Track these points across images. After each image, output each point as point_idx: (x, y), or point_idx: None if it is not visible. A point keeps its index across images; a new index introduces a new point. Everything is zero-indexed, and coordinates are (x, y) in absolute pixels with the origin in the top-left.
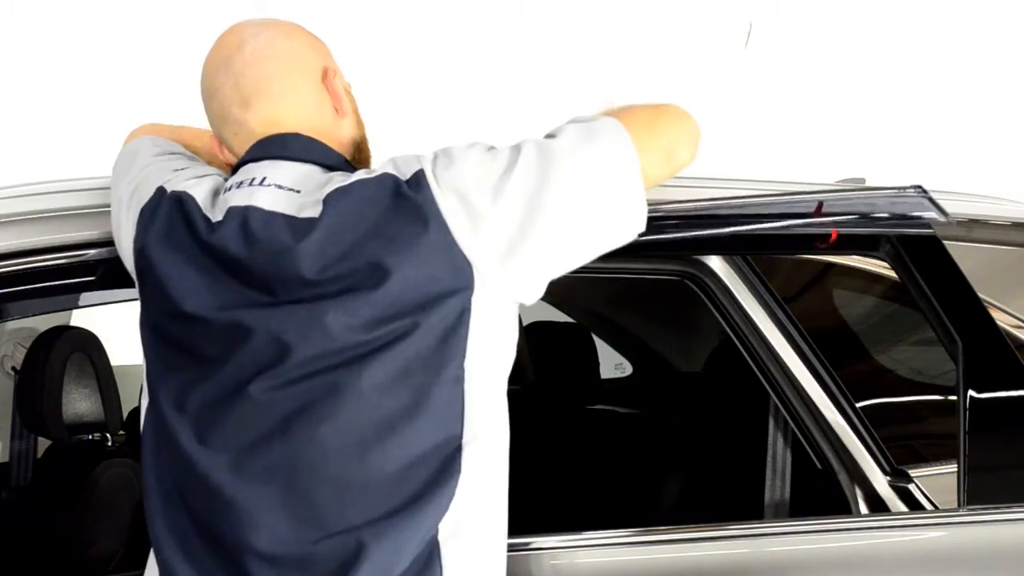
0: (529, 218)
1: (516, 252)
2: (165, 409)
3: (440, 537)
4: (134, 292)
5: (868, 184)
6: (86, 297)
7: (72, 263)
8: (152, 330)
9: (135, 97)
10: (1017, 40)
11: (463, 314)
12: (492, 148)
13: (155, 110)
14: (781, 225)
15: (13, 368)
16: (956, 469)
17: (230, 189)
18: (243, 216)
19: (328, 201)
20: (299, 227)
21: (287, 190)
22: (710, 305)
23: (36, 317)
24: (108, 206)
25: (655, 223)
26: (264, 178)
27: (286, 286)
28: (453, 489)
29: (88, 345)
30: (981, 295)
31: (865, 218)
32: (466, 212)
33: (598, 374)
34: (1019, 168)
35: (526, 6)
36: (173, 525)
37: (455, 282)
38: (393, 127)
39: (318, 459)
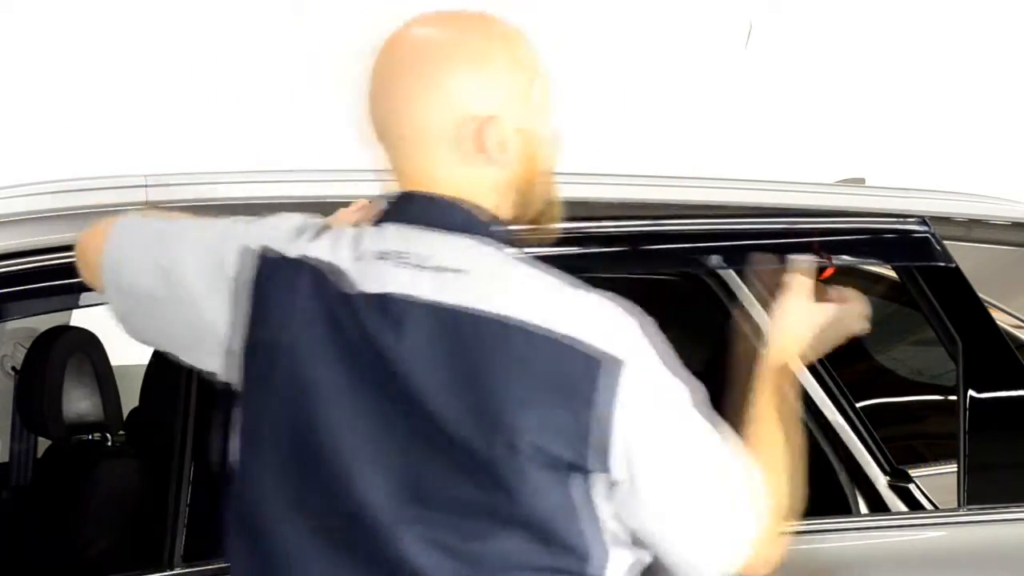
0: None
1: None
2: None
3: None
4: None
5: (868, 184)
6: (86, 297)
7: (72, 263)
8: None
9: (135, 97)
10: (1017, 40)
11: None
12: (696, 405)
13: (154, 110)
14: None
15: (13, 368)
16: (956, 469)
17: (385, 258)
18: (404, 303)
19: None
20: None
21: (453, 271)
22: (711, 305)
23: (36, 317)
24: (109, 206)
25: (656, 238)
26: (428, 256)
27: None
28: None
29: (88, 345)
30: (981, 295)
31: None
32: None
33: None
34: (1019, 168)
35: (527, 5)
36: None
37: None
38: None
39: None
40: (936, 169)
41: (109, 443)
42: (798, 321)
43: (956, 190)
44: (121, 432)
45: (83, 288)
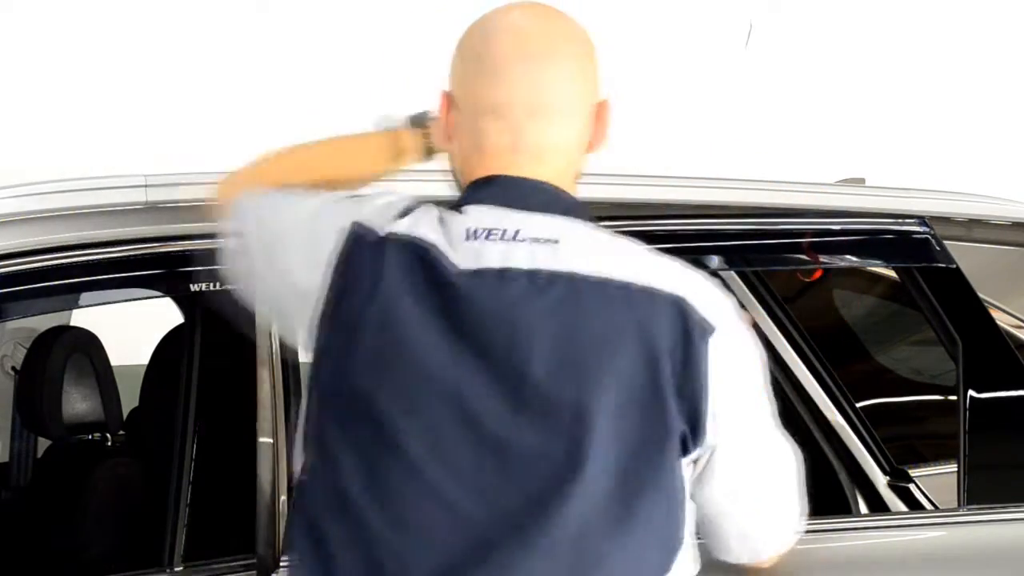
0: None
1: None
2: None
3: None
4: (134, 292)
5: (868, 184)
6: (86, 297)
7: (72, 263)
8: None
9: (135, 97)
10: (1017, 40)
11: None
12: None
13: (154, 110)
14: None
15: (13, 368)
16: (956, 469)
17: (477, 235)
18: (501, 275)
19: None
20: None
21: (545, 242)
22: None
23: (36, 317)
24: (108, 206)
25: (655, 238)
26: (518, 231)
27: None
28: None
29: (88, 345)
30: (981, 295)
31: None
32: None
33: None
34: (1019, 168)
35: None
36: None
37: None
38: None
39: None
40: (936, 169)
41: (109, 443)
42: None
43: (956, 190)
44: (121, 432)
45: (83, 288)
